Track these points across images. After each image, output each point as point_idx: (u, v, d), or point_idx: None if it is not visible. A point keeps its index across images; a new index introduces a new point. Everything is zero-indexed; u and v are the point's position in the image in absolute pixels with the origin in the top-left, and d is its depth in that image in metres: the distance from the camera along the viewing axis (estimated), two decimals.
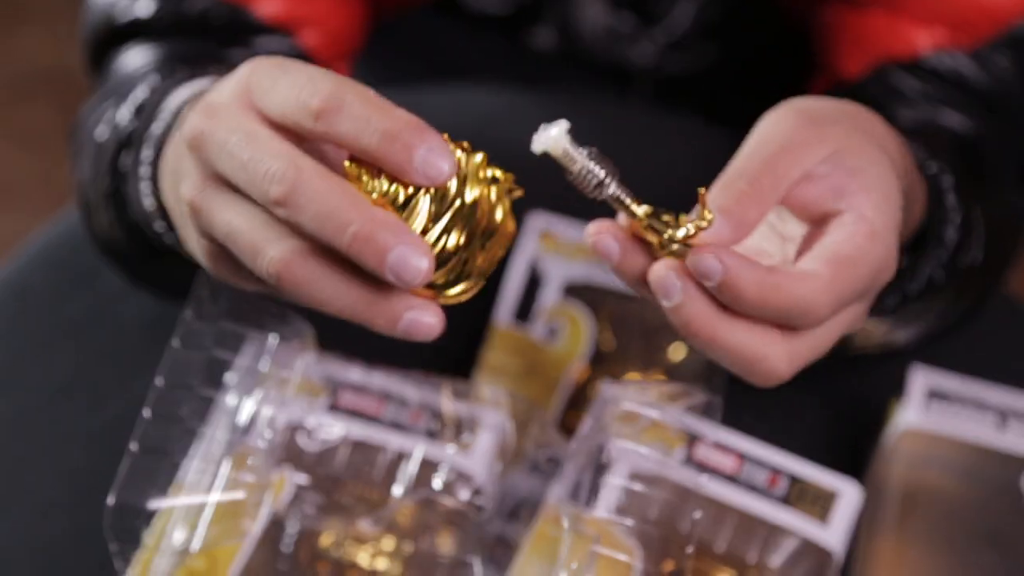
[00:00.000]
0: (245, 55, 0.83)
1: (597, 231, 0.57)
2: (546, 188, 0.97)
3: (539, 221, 0.87)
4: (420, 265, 0.51)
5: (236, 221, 0.53)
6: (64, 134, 0.88)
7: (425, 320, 0.52)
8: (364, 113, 0.51)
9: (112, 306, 0.89)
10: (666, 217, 0.56)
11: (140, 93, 0.71)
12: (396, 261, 0.50)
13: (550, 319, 0.83)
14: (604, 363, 0.82)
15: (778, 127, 0.59)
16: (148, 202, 0.67)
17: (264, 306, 0.66)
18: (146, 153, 0.66)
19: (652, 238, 0.56)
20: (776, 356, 0.56)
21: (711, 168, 0.99)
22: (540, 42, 1.08)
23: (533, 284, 0.85)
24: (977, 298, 0.79)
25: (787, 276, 0.55)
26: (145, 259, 0.73)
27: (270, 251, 0.52)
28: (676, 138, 1.02)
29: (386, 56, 1.14)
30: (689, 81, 1.11)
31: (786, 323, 0.55)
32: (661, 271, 0.55)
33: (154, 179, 0.65)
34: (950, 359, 0.82)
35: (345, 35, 0.90)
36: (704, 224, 0.55)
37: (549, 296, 0.84)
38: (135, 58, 0.83)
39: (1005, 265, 0.83)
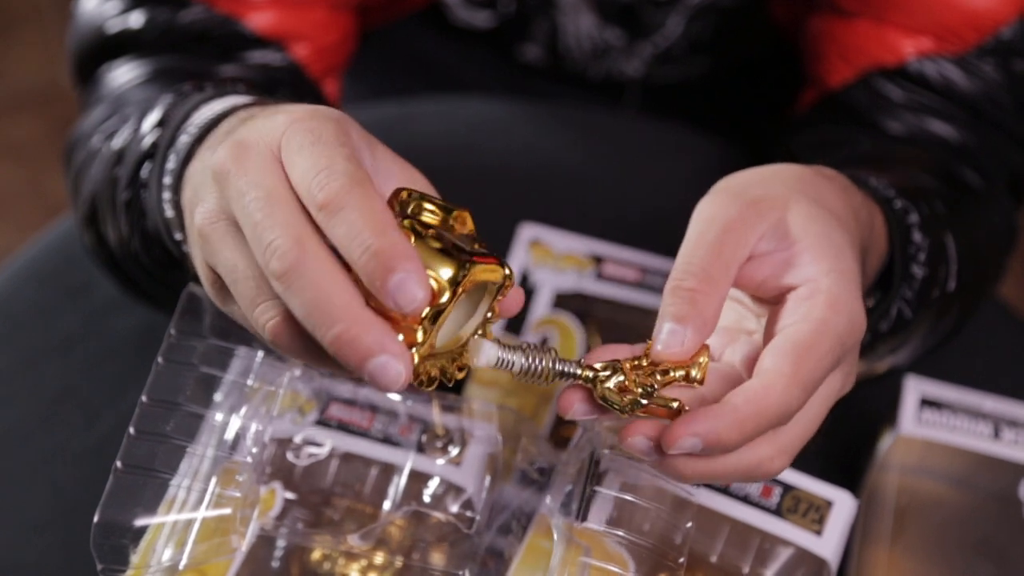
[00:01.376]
0: (237, 69, 0.83)
1: (568, 403, 0.57)
2: (536, 199, 0.97)
3: (529, 231, 0.87)
4: (398, 377, 0.51)
5: (239, 265, 0.54)
6: (53, 148, 0.88)
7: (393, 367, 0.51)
8: (358, 223, 0.50)
9: (103, 319, 0.89)
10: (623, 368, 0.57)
11: (164, 104, 0.71)
12: (376, 369, 0.50)
13: (541, 329, 0.83)
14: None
15: (713, 212, 0.58)
16: (169, 212, 0.66)
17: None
18: (171, 165, 0.65)
19: (619, 401, 0.57)
20: (770, 456, 0.57)
21: (700, 176, 0.99)
22: (528, 56, 1.08)
23: (524, 295, 0.85)
24: (960, 316, 0.79)
25: (754, 396, 0.54)
26: (163, 268, 0.73)
27: (266, 312, 0.53)
28: (666, 147, 1.02)
29: (378, 68, 1.14)
30: (679, 91, 1.11)
31: (767, 431, 0.56)
32: (638, 443, 0.56)
33: (176, 189, 0.65)
34: (944, 368, 0.82)
35: (335, 48, 0.90)
36: (677, 377, 0.57)
37: (540, 306, 0.84)
38: (126, 71, 0.83)
39: (990, 280, 0.83)
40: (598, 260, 0.87)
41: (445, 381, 0.56)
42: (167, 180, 0.66)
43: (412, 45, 1.13)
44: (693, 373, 0.57)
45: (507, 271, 0.55)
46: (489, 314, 0.57)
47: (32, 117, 2.16)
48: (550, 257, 0.87)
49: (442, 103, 1.04)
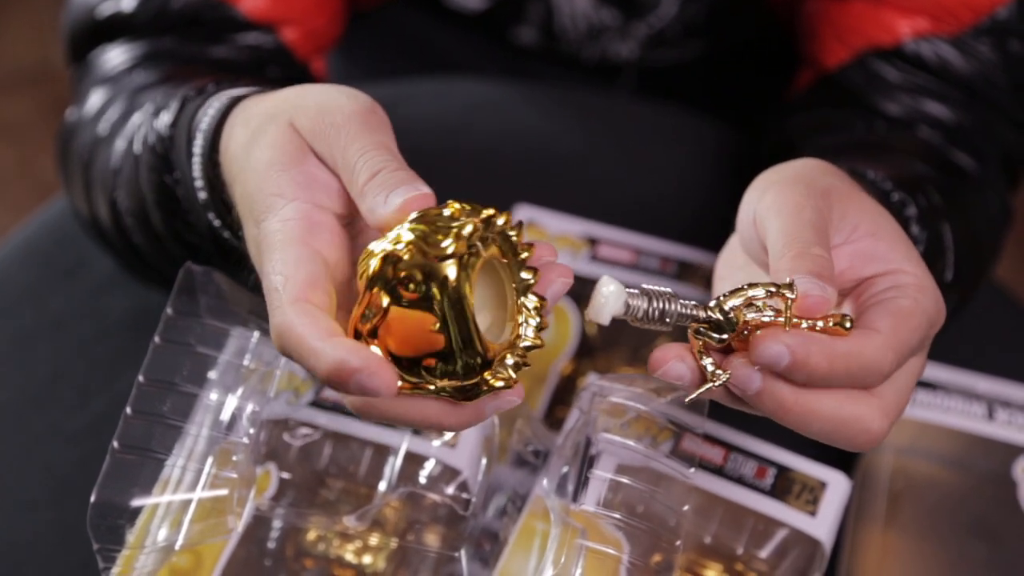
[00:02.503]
0: (227, 51, 0.83)
1: (663, 359, 0.56)
2: (531, 181, 0.97)
3: (524, 213, 0.87)
4: (379, 383, 0.51)
5: None
6: (45, 128, 0.87)
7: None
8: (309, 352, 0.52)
9: (96, 299, 0.89)
10: (730, 304, 0.55)
11: (172, 112, 0.71)
12: (358, 387, 0.51)
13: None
14: (591, 356, 0.82)
15: (797, 200, 0.58)
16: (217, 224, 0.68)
17: (246, 303, 0.65)
18: (200, 189, 0.67)
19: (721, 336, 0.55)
20: (871, 415, 0.55)
21: (696, 157, 0.99)
22: (523, 38, 1.07)
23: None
24: (958, 304, 0.79)
25: (849, 340, 0.54)
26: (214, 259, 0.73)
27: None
28: (661, 129, 1.02)
29: (372, 49, 1.14)
30: (674, 74, 1.11)
31: (856, 384, 0.55)
32: (740, 369, 0.54)
33: (214, 208, 0.67)
34: (937, 349, 0.82)
35: (323, 30, 0.90)
36: (791, 296, 0.54)
37: None
38: (118, 54, 0.83)
39: (987, 264, 0.83)
40: (593, 242, 0.87)
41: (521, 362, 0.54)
42: (200, 194, 0.67)
43: (406, 26, 1.13)
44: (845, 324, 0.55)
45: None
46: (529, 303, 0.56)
47: (24, 97, 2.15)
48: (545, 238, 0.87)
49: (436, 84, 1.04)
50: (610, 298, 0.54)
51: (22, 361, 0.86)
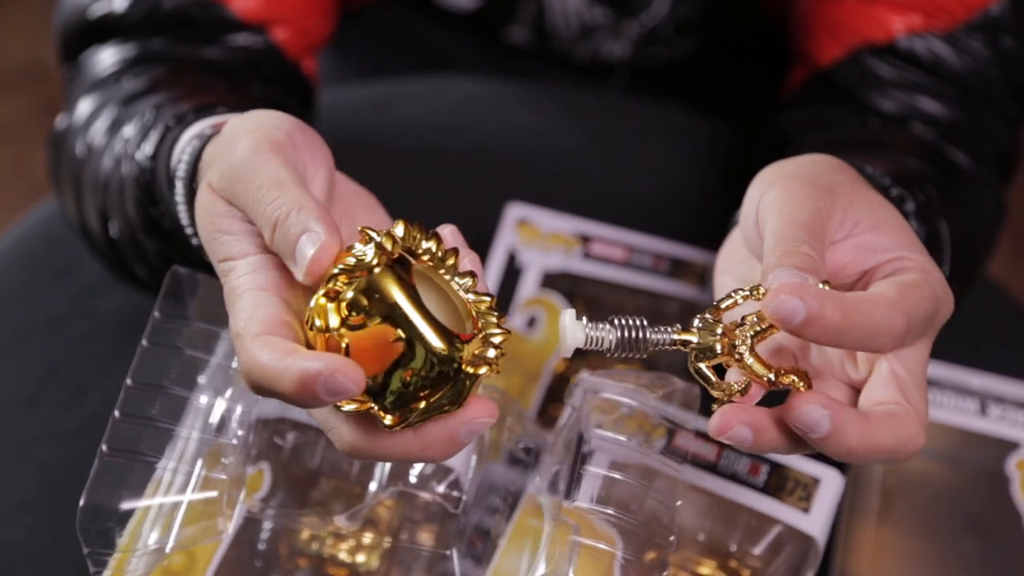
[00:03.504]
0: (218, 52, 0.83)
1: (727, 424, 0.55)
2: (524, 179, 0.97)
3: (517, 211, 0.87)
4: (344, 381, 0.50)
5: None
6: (38, 127, 0.87)
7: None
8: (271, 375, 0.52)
9: (90, 299, 0.88)
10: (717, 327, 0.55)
11: (154, 141, 0.70)
12: (326, 392, 0.50)
13: (529, 309, 0.83)
14: (584, 354, 0.82)
15: (798, 199, 0.58)
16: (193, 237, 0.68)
17: None
18: (182, 216, 0.66)
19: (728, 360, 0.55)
20: (918, 431, 0.56)
21: (689, 155, 0.99)
22: (515, 37, 1.07)
23: (512, 274, 0.85)
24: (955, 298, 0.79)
25: (860, 295, 0.55)
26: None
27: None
28: (654, 127, 1.02)
29: (364, 48, 1.14)
30: (667, 71, 1.11)
31: (868, 347, 0.55)
32: (813, 411, 0.54)
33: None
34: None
35: (315, 30, 0.90)
36: (760, 296, 0.55)
37: (527, 286, 0.84)
38: (109, 55, 0.83)
39: (981, 261, 0.83)
40: (585, 239, 0.87)
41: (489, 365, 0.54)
42: (193, 240, 0.67)
43: (399, 25, 1.13)
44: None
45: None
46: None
47: (17, 96, 2.15)
48: (538, 237, 0.87)
49: (429, 83, 1.04)
50: (567, 330, 0.55)
51: (15, 360, 0.86)
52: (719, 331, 0.55)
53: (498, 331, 0.53)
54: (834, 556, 0.75)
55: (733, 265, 0.66)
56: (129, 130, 0.74)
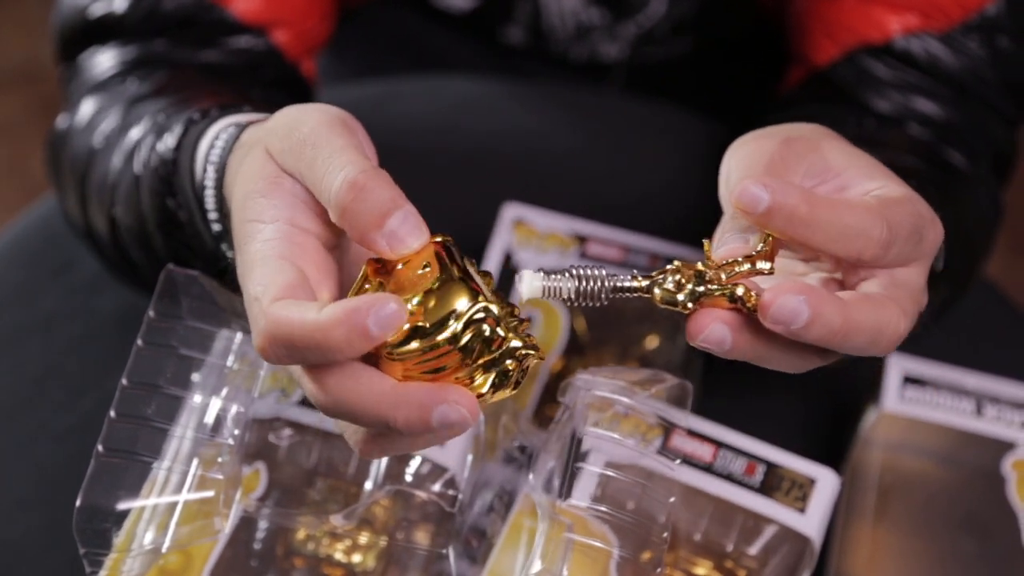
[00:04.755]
0: (218, 55, 0.83)
1: (702, 327, 0.55)
2: (520, 179, 0.97)
3: (513, 211, 0.87)
4: (462, 414, 0.51)
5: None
6: (35, 127, 0.87)
7: (456, 410, 0.51)
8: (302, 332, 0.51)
9: (86, 298, 0.88)
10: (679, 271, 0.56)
11: (176, 135, 0.70)
12: (440, 423, 0.51)
13: (525, 309, 0.83)
14: (580, 354, 0.82)
15: (753, 148, 0.58)
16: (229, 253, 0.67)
17: (229, 304, 0.65)
18: (210, 210, 0.66)
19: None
20: (898, 317, 0.55)
21: (686, 154, 0.99)
22: (511, 38, 1.07)
23: (508, 274, 0.85)
24: (948, 297, 0.79)
25: (831, 197, 0.54)
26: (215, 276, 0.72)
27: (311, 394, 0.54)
28: (650, 127, 1.02)
29: (361, 48, 1.14)
30: (662, 72, 1.11)
31: (851, 253, 0.55)
32: (789, 300, 0.53)
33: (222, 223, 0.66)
34: (926, 345, 0.82)
35: (315, 31, 0.90)
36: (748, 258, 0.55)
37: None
38: (109, 58, 0.83)
39: (978, 261, 0.83)
40: (581, 239, 0.87)
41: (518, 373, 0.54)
42: (215, 226, 0.66)
43: (396, 25, 1.13)
44: (760, 265, 0.55)
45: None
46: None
47: (13, 96, 2.15)
48: (534, 237, 0.87)
49: (425, 82, 1.04)
50: (523, 280, 0.55)
51: (12, 360, 0.86)
52: (679, 269, 0.55)
53: (533, 348, 0.54)
54: (830, 556, 0.75)
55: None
56: (138, 130, 0.74)
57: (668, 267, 0.56)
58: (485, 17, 1.06)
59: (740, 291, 0.54)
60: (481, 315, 0.51)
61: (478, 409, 0.52)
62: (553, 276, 0.55)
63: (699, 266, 0.56)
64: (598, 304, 0.55)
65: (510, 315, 0.54)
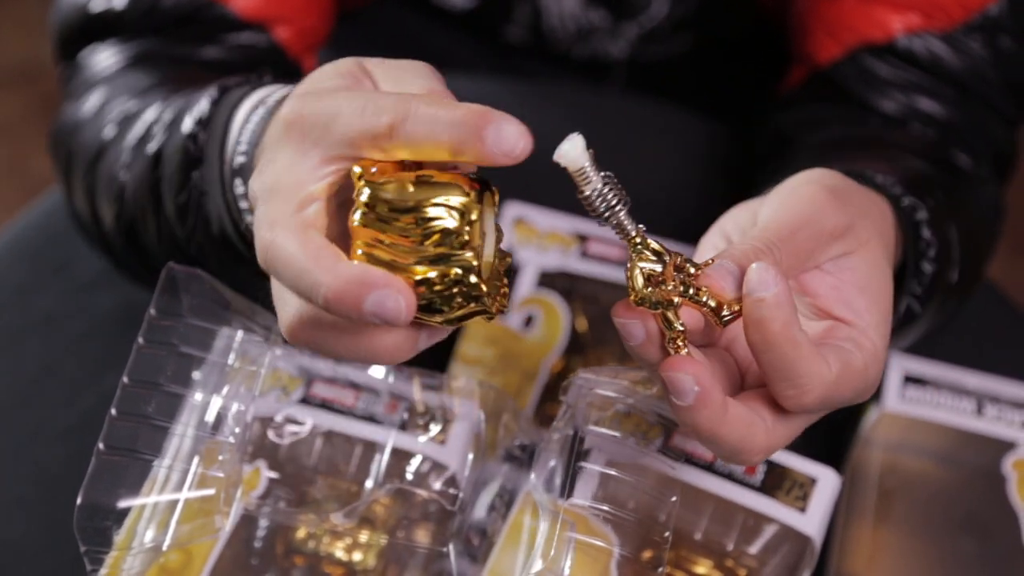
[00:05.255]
0: (219, 51, 0.83)
1: (624, 315, 0.56)
2: (521, 178, 0.96)
3: (513, 210, 0.87)
4: (399, 305, 0.49)
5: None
6: (35, 126, 0.87)
7: (393, 298, 0.50)
8: (431, 113, 0.51)
9: (85, 296, 0.88)
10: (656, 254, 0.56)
11: (203, 108, 0.70)
12: (373, 308, 0.49)
13: (526, 308, 0.83)
14: (581, 353, 0.82)
15: (818, 208, 0.59)
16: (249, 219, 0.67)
17: (229, 302, 0.65)
18: (239, 186, 0.66)
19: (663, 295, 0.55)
20: (760, 447, 0.56)
21: (686, 154, 0.99)
22: (511, 37, 1.07)
23: (509, 273, 0.84)
24: (958, 303, 0.79)
25: (810, 356, 0.55)
26: (225, 267, 0.72)
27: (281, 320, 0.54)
28: (652, 126, 1.02)
29: (362, 46, 1.14)
30: (664, 70, 1.11)
31: (777, 394, 0.56)
32: (683, 379, 0.54)
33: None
34: (927, 345, 0.82)
35: (315, 29, 0.90)
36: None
37: (524, 285, 0.84)
38: (109, 55, 0.82)
39: (983, 262, 0.83)
40: (582, 238, 0.87)
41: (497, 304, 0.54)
42: (240, 190, 0.66)
43: (397, 23, 1.13)
44: (724, 313, 0.55)
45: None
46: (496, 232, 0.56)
47: (13, 95, 2.15)
48: (535, 236, 0.87)
49: None
50: (574, 140, 0.56)
51: (11, 358, 0.86)
52: (669, 262, 0.56)
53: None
54: (831, 556, 0.75)
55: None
56: (153, 112, 0.74)
57: (663, 250, 0.56)
58: (485, 17, 1.06)
59: (679, 326, 0.55)
60: (458, 208, 0.52)
61: (414, 305, 0.50)
62: (595, 168, 0.56)
63: (680, 283, 0.55)
64: (594, 216, 0.55)
65: (500, 263, 0.54)
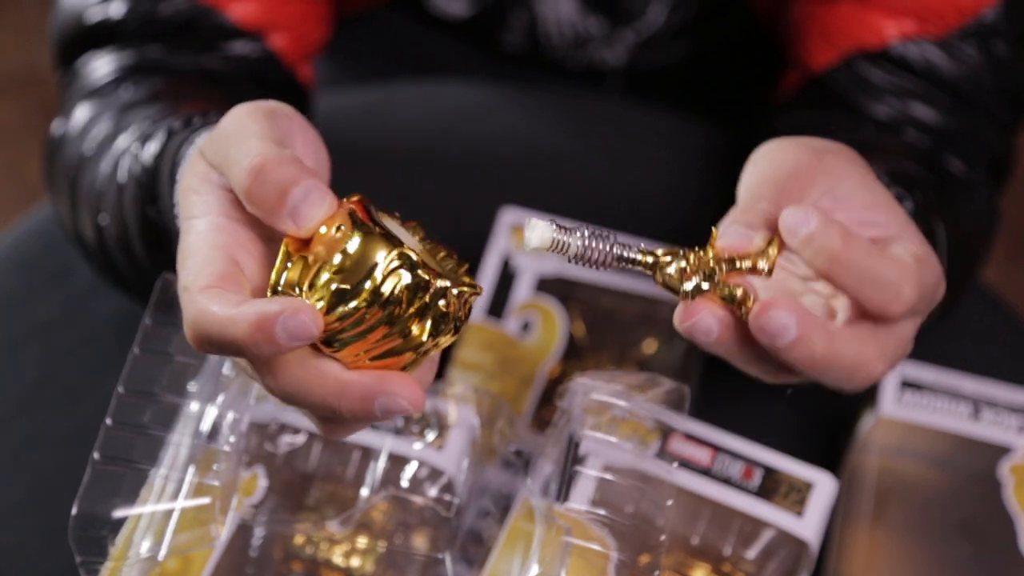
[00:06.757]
0: (215, 61, 0.83)
1: (688, 315, 0.56)
2: (518, 184, 0.97)
3: (511, 216, 0.87)
4: (404, 405, 0.52)
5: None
6: (31, 133, 0.87)
7: (396, 401, 0.52)
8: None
9: (83, 304, 0.88)
10: (681, 256, 0.56)
11: (152, 151, 0.70)
12: (383, 411, 0.52)
13: (523, 313, 0.83)
14: (578, 358, 0.82)
15: (782, 157, 0.59)
16: None
17: None
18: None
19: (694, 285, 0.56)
20: (878, 357, 0.56)
21: (683, 160, 0.99)
22: (508, 45, 1.07)
23: (506, 279, 0.85)
24: (947, 304, 0.79)
25: (876, 253, 0.55)
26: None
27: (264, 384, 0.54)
28: (649, 132, 1.02)
29: (359, 53, 1.14)
30: (661, 77, 1.11)
31: (874, 305, 0.55)
32: (781, 315, 0.54)
33: None
34: (924, 349, 0.82)
35: (312, 36, 0.90)
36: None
37: (522, 290, 0.84)
38: (105, 64, 0.83)
39: (975, 267, 0.83)
40: None
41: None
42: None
43: (394, 30, 1.13)
44: (760, 264, 0.56)
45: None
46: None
47: (10, 101, 2.15)
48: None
49: (423, 88, 1.04)
50: (536, 229, 0.54)
51: (9, 365, 0.86)
52: (686, 255, 0.56)
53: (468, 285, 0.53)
54: (828, 560, 0.75)
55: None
56: (126, 138, 0.74)
57: (676, 249, 0.56)
58: (481, 25, 1.06)
59: (739, 293, 0.55)
60: (396, 263, 0.51)
61: (422, 395, 0.52)
62: (564, 230, 0.55)
63: (709, 260, 0.56)
64: (599, 269, 0.55)
65: (446, 258, 0.54)
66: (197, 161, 0.57)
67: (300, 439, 0.70)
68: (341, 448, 0.70)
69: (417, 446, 0.69)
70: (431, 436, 0.69)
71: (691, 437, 0.71)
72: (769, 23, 1.01)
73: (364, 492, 0.69)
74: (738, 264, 0.56)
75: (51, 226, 0.92)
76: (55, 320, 0.88)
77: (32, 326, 0.88)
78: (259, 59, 0.85)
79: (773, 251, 0.56)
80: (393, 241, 0.52)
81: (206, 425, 0.65)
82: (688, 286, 0.56)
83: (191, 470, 0.64)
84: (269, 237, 0.56)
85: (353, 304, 0.51)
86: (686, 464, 0.70)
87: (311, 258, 0.52)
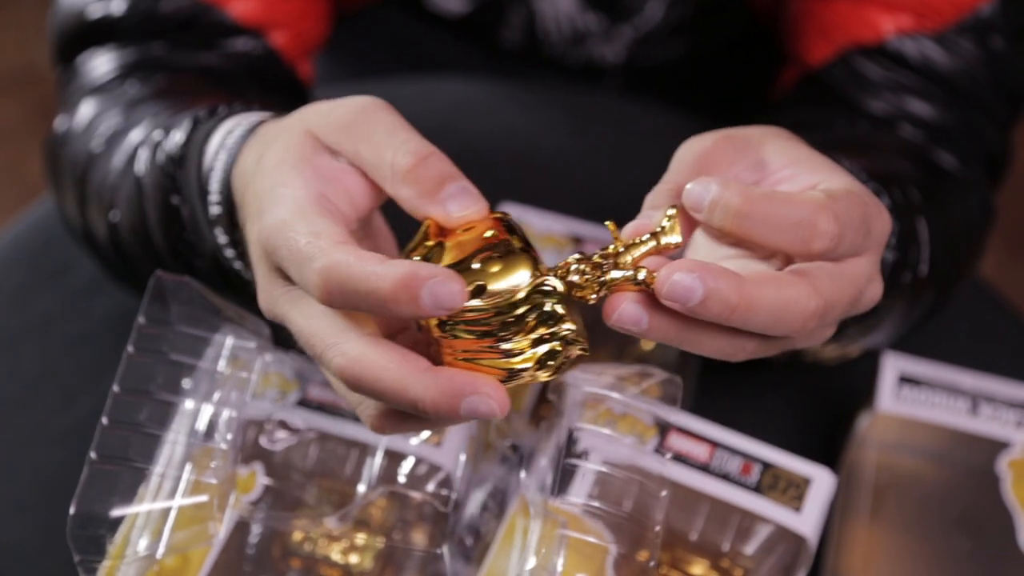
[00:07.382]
0: (215, 58, 0.83)
1: (614, 306, 0.54)
2: (516, 180, 0.97)
3: (509, 211, 0.87)
4: (491, 408, 0.52)
5: (304, 325, 0.55)
6: (31, 131, 0.87)
7: (486, 402, 0.52)
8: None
9: (83, 301, 0.89)
10: (595, 258, 0.55)
11: (177, 140, 0.70)
12: (468, 413, 0.52)
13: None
14: None
15: (691, 144, 0.58)
16: (229, 254, 0.68)
17: (219, 308, 0.65)
18: (214, 209, 0.66)
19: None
20: (807, 294, 0.53)
21: None
22: (506, 41, 1.07)
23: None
24: (936, 300, 0.79)
25: (777, 196, 0.53)
26: (220, 290, 0.72)
27: (334, 360, 0.53)
28: (647, 128, 1.02)
29: (358, 49, 1.14)
30: (660, 73, 1.11)
31: (796, 247, 0.53)
32: (681, 278, 0.51)
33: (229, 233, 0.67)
34: (921, 345, 0.83)
35: (311, 33, 0.90)
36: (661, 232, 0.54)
37: None
38: (105, 61, 0.83)
39: (968, 263, 0.83)
40: (577, 240, 0.87)
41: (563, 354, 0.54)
42: (222, 240, 0.67)
43: (392, 27, 1.13)
44: (664, 240, 0.54)
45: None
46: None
47: (10, 99, 2.15)
48: (530, 238, 0.87)
49: (422, 84, 1.04)
50: None
51: (8, 362, 0.86)
52: (578, 257, 0.55)
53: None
54: (826, 555, 0.75)
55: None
56: (139, 131, 0.74)
57: (570, 258, 0.55)
58: (480, 21, 1.06)
59: (642, 275, 0.53)
60: (544, 288, 0.52)
61: (508, 402, 0.52)
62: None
63: (596, 256, 0.54)
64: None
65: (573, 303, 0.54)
66: (304, 140, 0.57)
67: (295, 438, 0.70)
68: (338, 445, 0.70)
69: (414, 442, 0.69)
70: (425, 433, 0.69)
71: (689, 433, 0.71)
72: (766, 19, 1.01)
73: (362, 488, 0.69)
74: (643, 248, 0.54)
75: (51, 223, 0.92)
76: (54, 316, 0.88)
77: (31, 322, 0.88)
78: (259, 56, 0.85)
79: (672, 211, 0.54)
80: (541, 267, 0.53)
81: (202, 423, 0.65)
82: (587, 289, 0.54)
83: (188, 468, 0.64)
84: (354, 232, 0.57)
85: (484, 303, 0.52)
86: (684, 460, 0.70)
87: (449, 243, 0.53)
